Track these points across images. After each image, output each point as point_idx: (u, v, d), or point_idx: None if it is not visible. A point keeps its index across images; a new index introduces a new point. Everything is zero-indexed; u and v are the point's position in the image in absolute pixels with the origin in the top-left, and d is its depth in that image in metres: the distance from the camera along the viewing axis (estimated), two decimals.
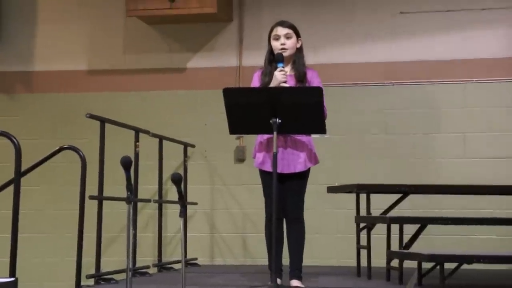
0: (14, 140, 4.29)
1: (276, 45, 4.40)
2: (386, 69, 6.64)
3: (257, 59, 5.82)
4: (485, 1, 6.53)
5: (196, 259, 6.52)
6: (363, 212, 5.11)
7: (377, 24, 6.68)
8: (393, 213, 5.00)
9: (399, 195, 4.98)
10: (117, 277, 5.00)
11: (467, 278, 4.99)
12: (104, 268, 5.08)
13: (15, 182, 4.28)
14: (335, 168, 6.53)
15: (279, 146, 4.26)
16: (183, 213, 4.19)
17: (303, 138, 4.36)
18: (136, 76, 7.00)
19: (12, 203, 4.24)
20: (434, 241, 6.19)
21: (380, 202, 5.16)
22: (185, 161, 6.56)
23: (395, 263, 4.67)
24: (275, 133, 3.91)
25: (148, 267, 5.70)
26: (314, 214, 6.17)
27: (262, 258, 5.68)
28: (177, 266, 6.11)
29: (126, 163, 4.08)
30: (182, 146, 6.54)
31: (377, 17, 6.69)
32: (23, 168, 4.55)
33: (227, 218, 6.75)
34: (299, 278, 4.39)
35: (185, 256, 6.12)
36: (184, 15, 6.58)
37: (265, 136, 4.35)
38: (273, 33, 4.43)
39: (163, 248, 6.29)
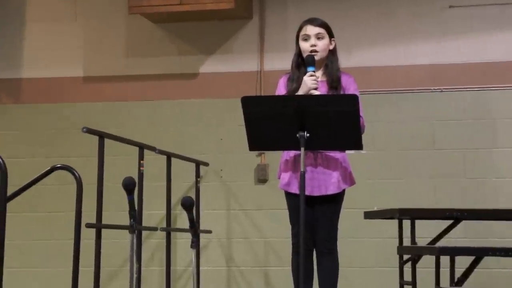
0: None
1: (305, 46, 4.40)
2: (432, 72, 6.61)
3: (281, 62, 5.84)
4: None
5: None
6: (406, 242, 5.07)
7: (422, 21, 6.66)
8: (442, 242, 4.95)
9: (449, 222, 4.94)
10: None
11: None
12: None
13: (0, 208, 4.29)
14: (374, 190, 6.49)
15: (308, 164, 4.25)
16: (195, 243, 4.19)
17: (336, 154, 4.35)
18: (140, 83, 7.03)
19: None
20: (492, 276, 6.12)
21: (427, 230, 5.11)
22: (197, 182, 6.56)
23: None
24: (302, 149, 3.90)
25: None
26: (349, 244, 6.13)
27: None
28: None
29: (128, 185, 4.10)
30: (193, 165, 6.54)
31: (422, 13, 6.66)
32: (9, 192, 4.55)
33: (246, 248, 6.73)
34: None
35: None
36: (196, 11, 6.59)
37: (292, 153, 4.35)
38: (302, 32, 4.44)
39: (172, 284, 6.28)
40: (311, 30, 4.41)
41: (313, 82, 4.21)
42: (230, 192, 6.79)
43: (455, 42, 6.62)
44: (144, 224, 5.59)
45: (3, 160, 4.30)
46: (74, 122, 6.79)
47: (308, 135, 3.89)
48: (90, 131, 4.91)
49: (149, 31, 7.05)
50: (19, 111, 7.15)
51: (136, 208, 4.32)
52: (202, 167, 6.66)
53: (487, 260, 4.89)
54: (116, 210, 5.26)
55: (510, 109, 6.48)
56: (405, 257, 5.11)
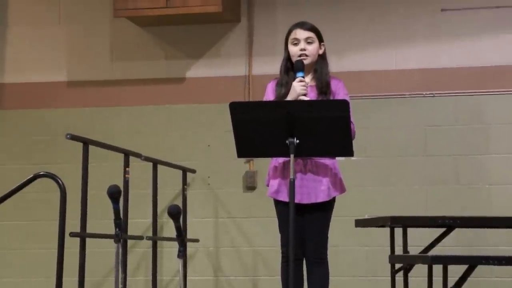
0: None
1: (294, 51, 4.41)
2: (424, 77, 6.62)
3: (270, 66, 5.84)
4: None
5: None
6: (398, 251, 5.07)
7: (414, 24, 6.67)
8: (435, 251, 4.95)
9: (442, 230, 4.94)
10: None
11: None
12: None
13: None
14: (365, 197, 6.50)
15: (297, 171, 4.26)
16: (182, 253, 4.18)
17: (326, 161, 4.35)
18: (125, 88, 7.01)
19: None
20: (485, 285, 6.13)
21: (419, 238, 5.12)
22: (184, 190, 6.55)
23: None
24: (292, 156, 3.90)
25: None
26: (339, 253, 6.14)
27: None
28: None
29: (114, 193, 4.09)
30: (180, 172, 6.53)
31: (413, 16, 6.68)
32: None
33: (234, 257, 6.72)
34: None
35: None
36: (183, 15, 6.60)
37: (281, 160, 4.35)
38: (291, 36, 4.44)
39: None
40: (301, 34, 4.41)
41: (302, 88, 4.22)
42: (218, 200, 6.78)
43: (447, 46, 6.63)
44: (129, 233, 5.58)
45: None
46: (57, 128, 6.77)
47: (297, 141, 3.90)
48: (74, 138, 4.89)
49: (135, 34, 7.04)
50: (1, 117, 7.11)
51: (122, 216, 4.31)
52: (189, 174, 6.65)
53: (480, 269, 4.90)
54: (101, 218, 5.25)
55: (503, 114, 6.50)
56: (397, 266, 5.11)
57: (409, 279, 4.94)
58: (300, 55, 4.37)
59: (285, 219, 4.21)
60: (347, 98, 4.28)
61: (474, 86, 6.55)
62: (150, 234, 6.22)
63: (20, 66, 7.18)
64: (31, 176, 4.90)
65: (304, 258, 4.40)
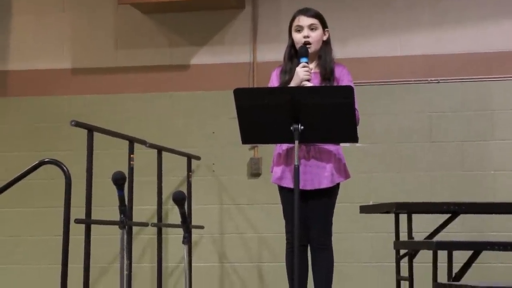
0: None
1: (298, 37, 4.40)
2: (429, 63, 6.62)
3: (275, 53, 5.83)
4: None
5: None
6: (403, 236, 5.08)
7: (418, 10, 6.66)
8: (440, 237, 4.96)
9: (447, 216, 4.94)
10: None
11: None
12: None
13: None
14: (369, 184, 6.50)
15: (301, 157, 4.25)
16: (187, 239, 4.19)
17: (330, 147, 4.35)
18: (130, 75, 7.01)
19: None
20: (490, 270, 6.13)
21: (424, 224, 5.12)
22: (189, 177, 6.56)
23: None
24: (296, 142, 3.90)
25: None
26: (344, 239, 6.14)
27: None
28: None
29: (118, 180, 4.09)
30: (185, 159, 6.54)
31: (417, 2, 6.67)
32: None
33: (239, 244, 6.73)
34: None
35: None
36: (187, 1, 6.61)
37: (284, 146, 4.36)
38: (295, 23, 4.43)
39: (163, 280, 6.28)
40: (304, 21, 4.40)
41: (305, 73, 4.21)
42: (223, 187, 6.79)
43: (451, 32, 6.63)
44: (134, 219, 5.59)
45: None
46: (62, 115, 6.79)
47: (302, 127, 3.89)
48: (78, 125, 4.89)
49: (139, 22, 7.03)
50: (6, 104, 7.13)
51: (127, 203, 4.32)
52: (193, 161, 6.65)
53: (485, 255, 4.91)
54: (106, 205, 5.26)
55: (508, 100, 6.49)
56: (402, 252, 5.12)
57: (414, 265, 4.95)
58: (304, 43, 4.37)
59: (289, 206, 4.22)
60: (351, 84, 4.28)
61: (479, 72, 6.54)
62: (155, 220, 6.23)
63: (24, 53, 7.19)
64: (36, 162, 4.91)
65: (308, 244, 4.41)
